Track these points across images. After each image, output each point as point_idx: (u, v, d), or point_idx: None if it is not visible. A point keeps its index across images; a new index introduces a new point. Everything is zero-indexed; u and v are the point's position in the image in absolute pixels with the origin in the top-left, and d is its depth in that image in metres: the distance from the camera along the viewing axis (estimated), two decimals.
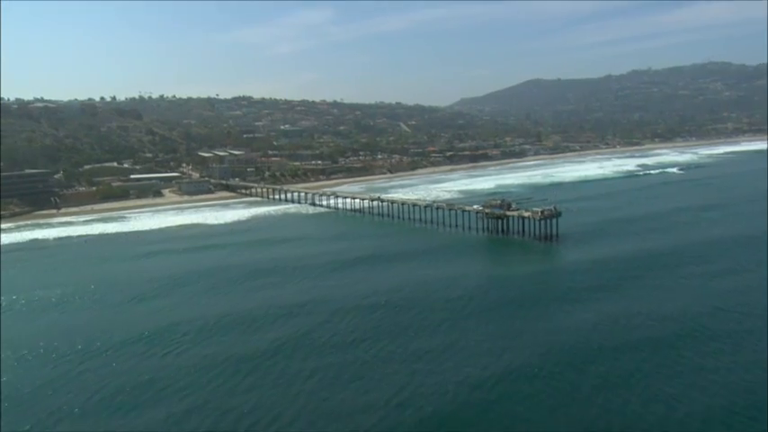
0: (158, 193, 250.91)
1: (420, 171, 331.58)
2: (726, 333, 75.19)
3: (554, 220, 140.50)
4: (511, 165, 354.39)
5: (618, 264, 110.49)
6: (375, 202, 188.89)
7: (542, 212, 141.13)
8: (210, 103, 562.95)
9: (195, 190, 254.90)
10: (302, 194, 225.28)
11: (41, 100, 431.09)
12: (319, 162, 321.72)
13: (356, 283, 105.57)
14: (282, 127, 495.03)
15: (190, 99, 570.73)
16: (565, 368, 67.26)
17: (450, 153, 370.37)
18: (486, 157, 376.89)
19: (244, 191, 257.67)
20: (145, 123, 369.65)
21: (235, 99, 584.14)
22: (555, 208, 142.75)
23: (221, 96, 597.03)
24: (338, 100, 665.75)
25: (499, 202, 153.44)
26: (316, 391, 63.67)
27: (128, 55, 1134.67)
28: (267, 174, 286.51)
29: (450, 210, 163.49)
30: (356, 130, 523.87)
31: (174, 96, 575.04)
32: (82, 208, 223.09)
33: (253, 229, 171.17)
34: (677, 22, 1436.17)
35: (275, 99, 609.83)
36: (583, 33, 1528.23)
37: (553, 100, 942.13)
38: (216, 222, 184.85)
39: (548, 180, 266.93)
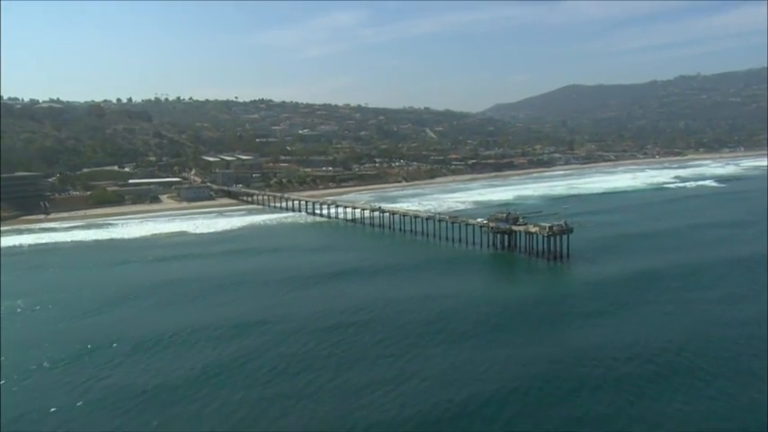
0: (156, 199, 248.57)
1: (438, 180, 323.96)
2: (728, 375, 65.79)
3: (563, 237, 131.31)
4: (537, 174, 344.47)
5: (623, 286, 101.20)
6: (375, 213, 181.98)
7: (550, 228, 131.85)
8: (228, 106, 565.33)
9: (194, 196, 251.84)
10: (302, 203, 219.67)
11: (57, 101, 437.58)
12: (330, 169, 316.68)
13: (327, 300, 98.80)
14: (301, 131, 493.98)
15: (207, 101, 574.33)
16: (530, 407, 59.23)
17: (473, 161, 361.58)
18: (512, 166, 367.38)
19: (245, 198, 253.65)
20: (153, 126, 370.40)
21: (253, 102, 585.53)
22: (565, 223, 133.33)
23: (240, 99, 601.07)
24: (366, 104, 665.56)
25: (505, 215, 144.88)
26: None
27: (150, 57, 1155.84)
28: (273, 180, 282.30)
29: (452, 222, 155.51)
30: (378, 135, 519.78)
31: (191, 98, 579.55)
32: (72, 213, 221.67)
33: (239, 238, 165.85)
34: (730, 25, 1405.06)
35: (296, 103, 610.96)
36: (627, 37, 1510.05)
37: (593, 107, 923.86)
38: (203, 231, 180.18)
39: (572, 191, 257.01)
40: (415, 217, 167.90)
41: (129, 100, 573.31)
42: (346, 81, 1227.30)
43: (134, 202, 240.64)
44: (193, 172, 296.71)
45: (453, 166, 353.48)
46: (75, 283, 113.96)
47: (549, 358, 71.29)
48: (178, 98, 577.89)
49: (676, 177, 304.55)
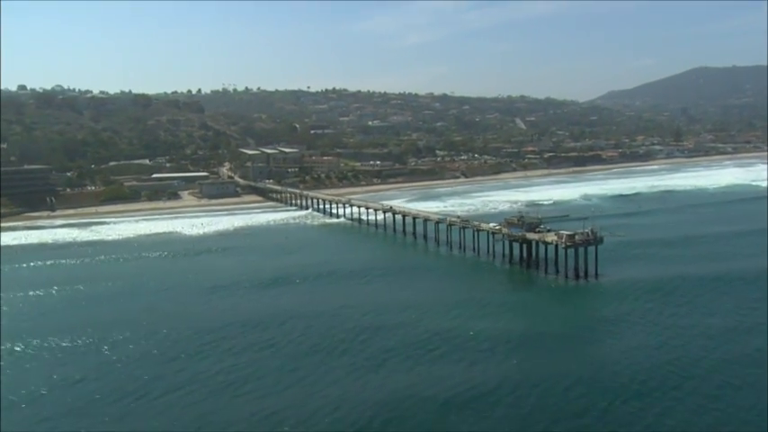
0: (175, 196, 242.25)
1: (503, 175, 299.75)
2: None
3: (588, 249, 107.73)
4: (623, 169, 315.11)
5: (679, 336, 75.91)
6: (388, 214, 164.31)
7: (571, 237, 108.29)
8: (296, 96, 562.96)
9: (217, 192, 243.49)
10: (317, 202, 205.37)
11: (128, 94, 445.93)
12: (378, 163, 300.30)
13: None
14: (371, 122, 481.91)
15: (276, 92, 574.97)
16: None
17: (551, 154, 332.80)
18: (598, 160, 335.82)
19: (271, 195, 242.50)
20: (201, 117, 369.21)
21: (324, 92, 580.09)
22: (592, 231, 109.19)
23: (313, 89, 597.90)
24: (453, 93, 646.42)
25: (516, 219, 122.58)
26: None
27: (232, 49, 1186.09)
28: (309, 176, 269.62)
29: (462, 227, 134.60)
30: (456, 126, 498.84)
31: (259, 89, 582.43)
32: (79, 210, 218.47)
33: (223, 240, 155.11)
34: None
35: (371, 92, 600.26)
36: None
37: (723, 92, 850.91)
38: (192, 233, 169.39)
39: (654, 190, 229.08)
40: (426, 220, 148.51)
41: (199, 91, 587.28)
42: (446, 69, 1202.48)
43: (150, 199, 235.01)
44: (228, 166, 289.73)
45: (526, 160, 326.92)
46: None
47: None
48: (246, 89, 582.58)
49: None
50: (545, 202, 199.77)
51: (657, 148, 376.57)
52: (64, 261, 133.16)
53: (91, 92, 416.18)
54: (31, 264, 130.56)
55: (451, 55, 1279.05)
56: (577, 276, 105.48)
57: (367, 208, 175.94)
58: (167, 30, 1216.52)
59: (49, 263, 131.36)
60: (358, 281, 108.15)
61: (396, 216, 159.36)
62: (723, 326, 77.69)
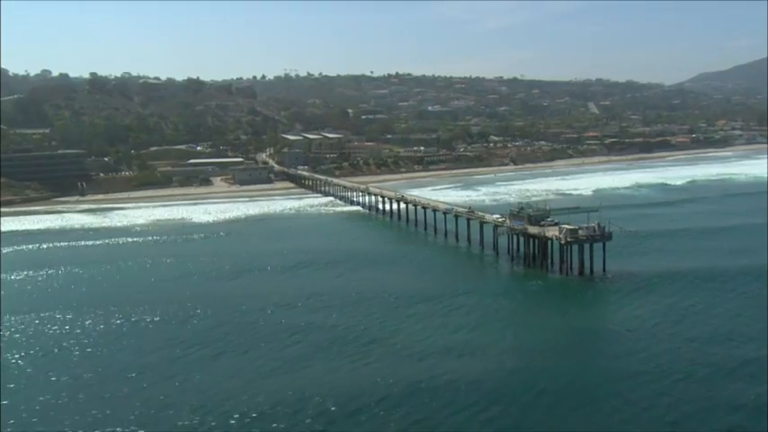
0: (206, 182, 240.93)
1: (557, 162, 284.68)
2: None
3: (593, 246, 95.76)
4: (693, 156, 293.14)
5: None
6: (401, 203, 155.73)
7: (573, 232, 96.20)
8: (357, 81, 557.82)
9: (249, 179, 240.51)
10: (338, 189, 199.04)
11: (195, 81, 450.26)
12: (422, 149, 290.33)
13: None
14: (431, 108, 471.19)
15: (338, 77, 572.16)
16: None
17: (613, 140, 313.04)
18: (667, 146, 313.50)
19: (303, 181, 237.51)
20: (250, 103, 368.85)
21: (386, 77, 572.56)
22: (599, 226, 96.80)
23: (376, 74, 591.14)
24: (523, 76, 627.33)
25: (517, 210, 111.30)
26: None
27: (298, 35, 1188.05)
28: (347, 163, 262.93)
29: (468, 218, 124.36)
30: (521, 110, 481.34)
31: (321, 74, 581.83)
32: (110, 195, 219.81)
33: (226, 227, 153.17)
34: None
35: (434, 76, 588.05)
36: None
37: None
38: (201, 220, 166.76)
39: (714, 178, 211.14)
40: (434, 210, 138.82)
41: (263, 77, 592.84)
42: (530, 54, 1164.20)
43: (181, 185, 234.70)
44: (267, 152, 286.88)
45: (585, 147, 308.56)
46: None
47: None
48: (308, 74, 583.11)
49: None
50: (583, 192, 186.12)
51: (737, 133, 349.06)
52: (47, 246, 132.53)
53: (147, 77, 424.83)
54: (17, 248, 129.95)
55: (535, 39, 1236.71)
56: (581, 274, 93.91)
57: (381, 197, 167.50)
58: (233, 18, 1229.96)
59: (30, 247, 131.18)
60: (315, 271, 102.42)
61: (408, 205, 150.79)
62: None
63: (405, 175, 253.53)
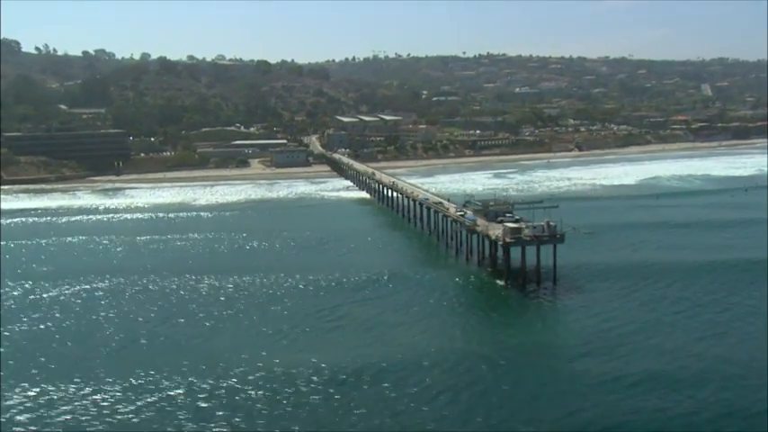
0: (244, 163, 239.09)
1: (631, 148, 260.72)
2: None
3: (539, 248, 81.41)
4: None
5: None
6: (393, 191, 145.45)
7: (515, 232, 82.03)
8: (444, 62, 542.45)
9: (287, 161, 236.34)
10: (356, 175, 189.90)
11: (290, 63, 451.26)
12: (478, 132, 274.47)
13: None
14: (518, 89, 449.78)
15: (425, 58, 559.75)
16: None
17: (702, 124, 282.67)
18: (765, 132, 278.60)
19: (339, 165, 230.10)
20: (318, 84, 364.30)
21: (476, 58, 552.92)
22: (548, 224, 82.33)
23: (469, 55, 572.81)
24: (631, 56, 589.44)
25: (480, 204, 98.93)
26: None
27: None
28: (392, 146, 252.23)
29: (435, 211, 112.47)
30: (618, 92, 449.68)
31: (409, 55, 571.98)
32: (145, 175, 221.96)
33: (221, 208, 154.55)
34: None
35: (530, 56, 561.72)
36: None
37: None
38: (202, 203, 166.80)
39: None
40: (413, 200, 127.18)
41: (353, 59, 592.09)
42: (664, 32, 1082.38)
43: (217, 166, 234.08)
44: (317, 135, 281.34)
45: (669, 132, 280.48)
46: None
47: None
48: (397, 55, 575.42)
49: None
50: (626, 181, 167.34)
51: None
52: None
53: (224, 56, 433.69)
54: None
55: (667, 17, 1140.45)
56: (523, 282, 79.82)
57: (380, 183, 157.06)
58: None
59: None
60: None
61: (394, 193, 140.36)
62: None
63: (451, 160, 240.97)
